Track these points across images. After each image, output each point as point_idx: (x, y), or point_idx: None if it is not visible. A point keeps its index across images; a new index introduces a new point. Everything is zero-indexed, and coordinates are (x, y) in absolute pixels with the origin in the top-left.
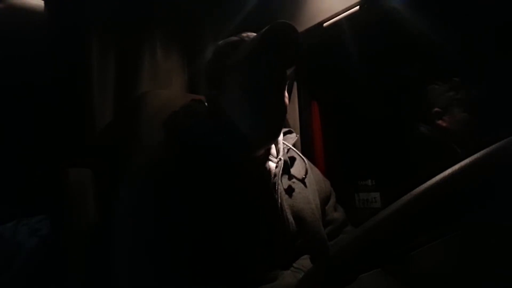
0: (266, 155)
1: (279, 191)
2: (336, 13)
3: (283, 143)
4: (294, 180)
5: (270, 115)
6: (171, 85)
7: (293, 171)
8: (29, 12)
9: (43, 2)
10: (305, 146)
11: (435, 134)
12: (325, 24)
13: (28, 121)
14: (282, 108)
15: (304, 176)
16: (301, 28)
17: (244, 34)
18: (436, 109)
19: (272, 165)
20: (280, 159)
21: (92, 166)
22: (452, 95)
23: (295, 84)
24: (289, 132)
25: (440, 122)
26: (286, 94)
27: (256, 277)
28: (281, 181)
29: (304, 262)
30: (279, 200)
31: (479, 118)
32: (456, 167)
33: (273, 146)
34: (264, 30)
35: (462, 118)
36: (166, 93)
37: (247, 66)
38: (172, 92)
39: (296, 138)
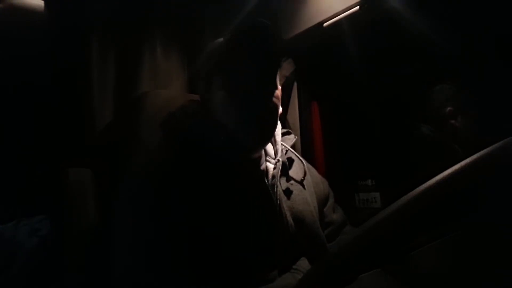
0: (264, 157)
1: (277, 192)
2: (336, 13)
3: (282, 144)
4: (292, 181)
5: (252, 117)
6: (171, 85)
7: (291, 172)
8: (29, 12)
9: (43, 2)
10: (305, 146)
11: (436, 134)
12: (325, 24)
13: (28, 121)
14: (266, 111)
15: (302, 178)
16: (301, 28)
17: None
18: (449, 108)
19: (270, 166)
20: (278, 160)
21: (92, 166)
22: (465, 94)
23: (295, 84)
24: (288, 133)
25: (453, 122)
26: (278, 94)
27: (255, 279)
28: (279, 182)
29: (304, 263)
30: (278, 202)
31: (478, 118)
32: (456, 167)
33: (271, 147)
34: (231, 31)
35: (474, 118)
36: (166, 93)
37: (219, 69)
38: (172, 92)
39: (295, 139)
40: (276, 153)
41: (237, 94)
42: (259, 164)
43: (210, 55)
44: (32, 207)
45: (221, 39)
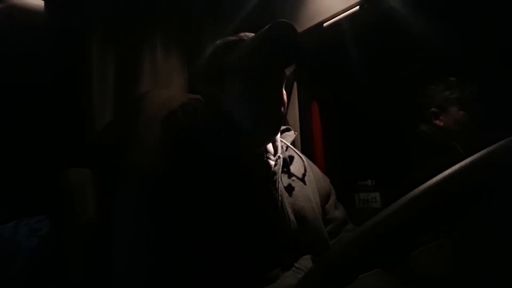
0: (265, 153)
1: (279, 189)
2: (336, 13)
3: (281, 141)
4: (293, 178)
5: (270, 111)
6: (171, 85)
7: (292, 169)
8: (29, 12)
9: (43, 2)
10: (305, 146)
11: (436, 133)
12: (325, 24)
13: (28, 121)
14: (281, 104)
15: (303, 174)
16: (301, 28)
17: (242, 34)
18: (432, 109)
19: (271, 163)
20: (279, 157)
21: (92, 166)
22: (448, 94)
23: (295, 84)
24: (287, 130)
25: (437, 121)
26: (284, 91)
27: (258, 277)
28: (281, 179)
29: (306, 262)
30: (280, 199)
31: (477, 116)
32: (456, 167)
33: (270, 144)
34: (265, 28)
35: (459, 117)
36: (166, 93)
37: (248, 64)
38: (172, 92)
39: (295, 135)
40: (276, 150)
41: (255, 90)
42: (261, 161)
43: (224, 51)
44: (32, 207)
45: (233, 37)
